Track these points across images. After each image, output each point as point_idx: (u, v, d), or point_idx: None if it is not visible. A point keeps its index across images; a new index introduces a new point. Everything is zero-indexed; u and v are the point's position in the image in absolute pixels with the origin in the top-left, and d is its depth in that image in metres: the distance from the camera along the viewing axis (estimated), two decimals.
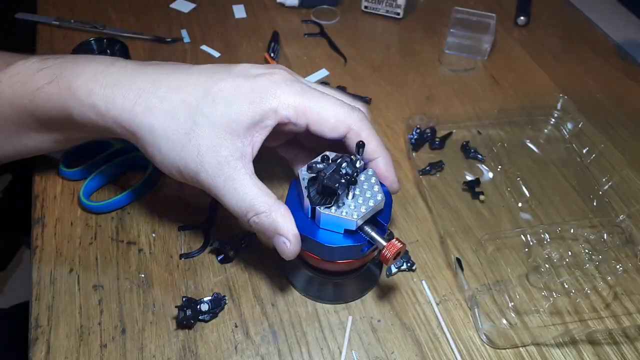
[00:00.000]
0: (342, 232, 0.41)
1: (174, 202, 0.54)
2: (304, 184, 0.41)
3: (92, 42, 0.60)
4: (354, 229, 0.40)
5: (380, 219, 0.42)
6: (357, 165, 0.41)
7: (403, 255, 0.50)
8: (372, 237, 0.41)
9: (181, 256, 0.50)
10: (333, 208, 0.40)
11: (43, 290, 0.47)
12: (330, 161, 0.41)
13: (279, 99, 0.40)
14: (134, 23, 0.75)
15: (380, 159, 0.44)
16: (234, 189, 0.40)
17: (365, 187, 0.41)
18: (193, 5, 0.78)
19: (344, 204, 0.40)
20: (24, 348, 0.44)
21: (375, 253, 0.44)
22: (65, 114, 0.42)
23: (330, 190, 0.39)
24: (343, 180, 0.39)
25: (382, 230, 0.42)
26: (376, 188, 0.41)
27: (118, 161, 0.55)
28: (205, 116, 0.39)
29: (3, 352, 0.67)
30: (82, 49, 0.59)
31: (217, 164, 0.39)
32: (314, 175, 0.40)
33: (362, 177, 0.42)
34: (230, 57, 0.71)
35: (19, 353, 0.61)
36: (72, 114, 0.42)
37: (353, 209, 0.40)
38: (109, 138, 0.53)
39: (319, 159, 0.41)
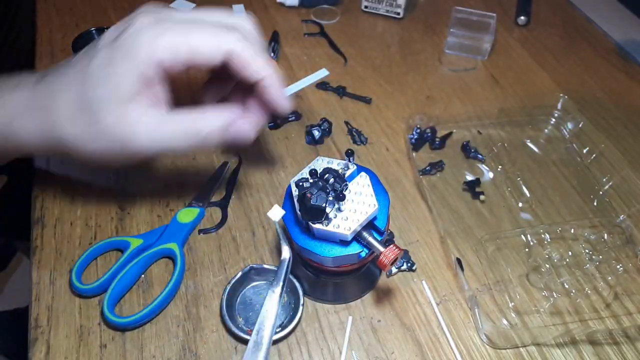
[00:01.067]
0: (338, 241, 0.41)
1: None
2: (295, 197, 0.40)
3: (93, 31, 0.60)
4: (348, 240, 0.40)
5: (377, 224, 0.42)
6: (346, 175, 0.41)
7: (402, 256, 0.50)
8: (369, 243, 0.40)
9: (200, 231, 0.51)
10: (325, 222, 0.39)
11: (43, 291, 0.47)
12: (317, 176, 0.40)
13: (145, 51, 0.38)
14: None
15: (266, 80, 0.41)
16: (173, 132, 0.40)
17: (358, 195, 0.41)
18: (192, 5, 0.78)
19: (335, 216, 0.39)
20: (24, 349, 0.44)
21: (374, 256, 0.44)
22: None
23: (318, 211, 0.39)
24: (331, 197, 0.39)
25: (380, 234, 0.42)
26: (370, 196, 0.40)
27: (140, 260, 0.48)
28: (98, 99, 0.39)
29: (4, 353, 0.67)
30: (84, 38, 0.59)
31: (132, 132, 0.39)
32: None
33: (355, 183, 0.41)
34: None
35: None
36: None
37: (346, 220, 0.39)
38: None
39: (306, 173, 0.41)
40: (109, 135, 0.40)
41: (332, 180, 0.40)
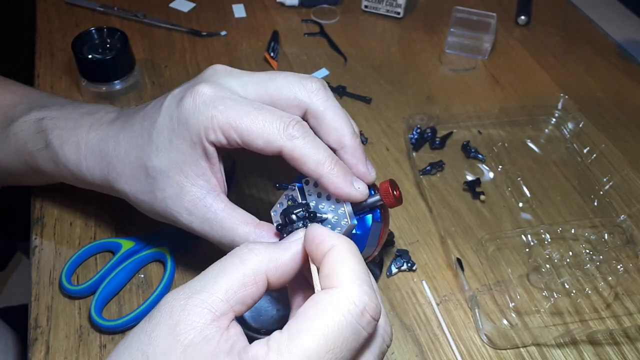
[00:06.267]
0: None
1: None
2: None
3: (93, 31, 0.61)
4: (355, 224, 0.38)
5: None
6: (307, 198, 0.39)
7: (403, 255, 0.50)
8: (367, 205, 0.39)
9: (196, 235, 0.50)
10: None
11: (42, 291, 0.47)
12: (286, 221, 0.38)
13: (197, 131, 0.37)
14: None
15: (322, 178, 0.37)
16: (211, 229, 0.40)
17: (332, 208, 0.38)
18: (193, 5, 0.78)
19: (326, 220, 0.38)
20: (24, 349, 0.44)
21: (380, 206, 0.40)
22: (60, 176, 0.46)
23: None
24: (295, 218, 0.37)
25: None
26: (341, 210, 0.38)
27: (130, 263, 0.48)
28: (158, 170, 0.39)
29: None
30: (83, 38, 0.60)
31: (186, 211, 0.40)
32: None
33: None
34: (231, 57, 0.71)
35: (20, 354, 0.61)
36: (65, 178, 0.46)
37: (337, 218, 0.37)
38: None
39: (279, 216, 0.39)
40: (165, 208, 0.40)
41: (293, 216, 0.37)
